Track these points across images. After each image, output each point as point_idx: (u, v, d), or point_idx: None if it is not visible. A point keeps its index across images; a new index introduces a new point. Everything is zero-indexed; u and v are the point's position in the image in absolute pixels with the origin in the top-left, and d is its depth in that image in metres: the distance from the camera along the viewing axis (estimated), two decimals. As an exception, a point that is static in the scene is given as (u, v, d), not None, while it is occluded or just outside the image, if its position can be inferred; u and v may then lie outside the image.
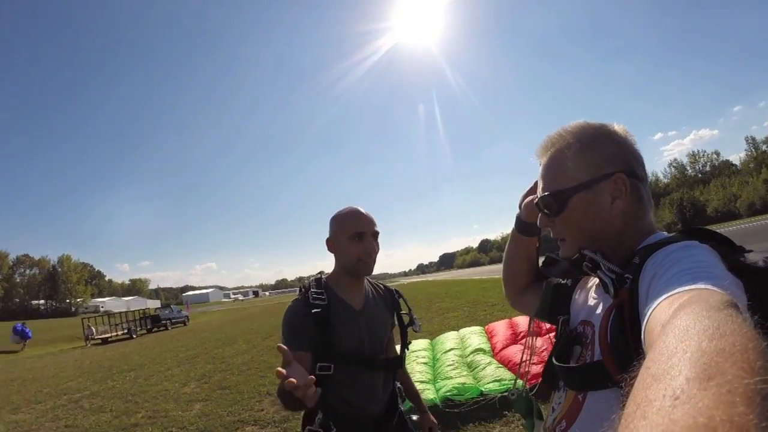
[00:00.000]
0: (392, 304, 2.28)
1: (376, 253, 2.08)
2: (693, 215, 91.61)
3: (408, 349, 2.31)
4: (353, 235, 2.02)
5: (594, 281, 1.13)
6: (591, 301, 1.10)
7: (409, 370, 2.54)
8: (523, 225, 1.41)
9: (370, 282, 2.27)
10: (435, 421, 2.39)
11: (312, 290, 2.06)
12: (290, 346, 1.90)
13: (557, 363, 1.05)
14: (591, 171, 1.06)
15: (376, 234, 2.08)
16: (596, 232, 1.06)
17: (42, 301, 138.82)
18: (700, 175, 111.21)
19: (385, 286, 2.34)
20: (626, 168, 1.05)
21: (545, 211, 1.13)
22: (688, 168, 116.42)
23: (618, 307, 0.87)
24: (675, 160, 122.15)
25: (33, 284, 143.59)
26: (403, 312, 2.29)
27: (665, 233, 1.04)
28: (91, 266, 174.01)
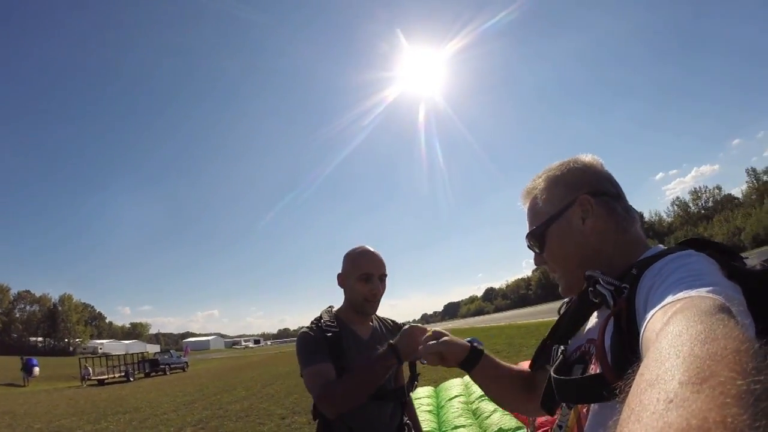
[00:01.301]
0: None
1: (381, 294, 2.21)
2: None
3: (417, 381, 2.35)
4: (361, 275, 2.15)
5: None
6: (596, 321, 1.13)
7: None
8: (461, 364, 1.47)
9: (378, 317, 2.40)
10: None
11: (324, 319, 2.18)
12: (312, 361, 2.04)
13: (556, 376, 1.06)
14: (557, 202, 1.16)
15: (383, 276, 2.21)
16: (579, 255, 1.12)
17: (40, 339, 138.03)
18: (703, 211, 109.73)
19: (393, 322, 2.45)
20: (590, 189, 1.13)
21: (534, 250, 1.22)
22: (691, 205, 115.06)
23: (615, 317, 0.89)
24: (677, 198, 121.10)
25: (32, 320, 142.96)
26: None
27: (662, 246, 1.09)
28: (92, 307, 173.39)
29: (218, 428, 9.71)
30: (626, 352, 0.81)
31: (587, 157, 1.21)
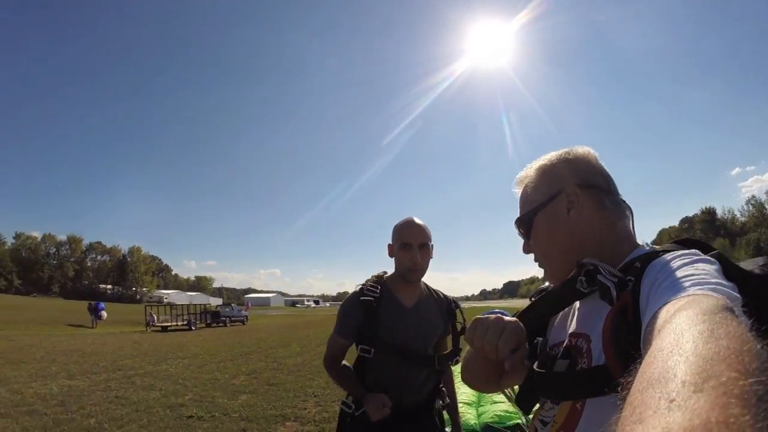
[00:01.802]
0: (447, 311, 2.48)
1: (423, 263, 2.29)
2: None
3: (459, 356, 2.40)
4: (402, 245, 2.28)
5: (574, 305, 1.14)
6: (581, 315, 1.10)
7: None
8: None
9: (430, 288, 2.52)
10: None
11: (368, 282, 2.39)
12: (336, 330, 2.37)
13: (546, 372, 1.02)
14: (546, 191, 1.16)
15: (423, 245, 2.29)
16: (564, 244, 1.12)
17: (109, 286, 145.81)
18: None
19: (444, 296, 2.55)
20: (579, 180, 1.13)
21: (522, 236, 1.23)
22: (767, 206, 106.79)
23: (621, 310, 0.87)
24: (753, 197, 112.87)
25: (103, 269, 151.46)
26: (458, 322, 2.46)
27: (653, 246, 1.11)
28: (160, 259, 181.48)
29: (270, 379, 9.94)
30: (630, 347, 0.77)
31: (582, 149, 1.22)
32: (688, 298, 0.65)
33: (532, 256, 1.25)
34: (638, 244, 1.11)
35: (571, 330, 1.10)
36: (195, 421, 6.49)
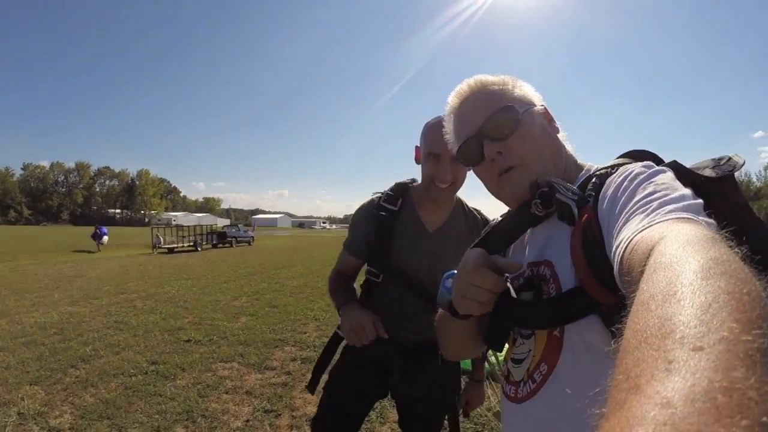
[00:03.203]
0: None
1: (455, 179, 1.82)
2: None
3: None
4: (428, 153, 1.79)
5: (526, 235, 1.13)
6: (536, 243, 1.07)
7: None
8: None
9: (465, 208, 2.07)
10: (482, 396, 2.21)
11: (387, 194, 2.00)
12: (345, 245, 2.06)
13: (523, 301, 0.97)
14: (528, 101, 1.09)
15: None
16: (549, 153, 1.06)
17: (118, 210, 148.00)
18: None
19: (483, 217, 2.07)
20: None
21: (492, 135, 1.05)
22: None
23: (587, 226, 0.85)
24: None
25: (111, 194, 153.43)
26: None
27: (598, 165, 1.04)
28: (168, 182, 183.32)
29: (271, 301, 10.00)
30: (604, 264, 0.77)
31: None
32: (666, 224, 0.61)
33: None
34: (584, 165, 1.10)
35: (529, 260, 1.06)
36: (192, 345, 6.50)
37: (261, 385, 4.95)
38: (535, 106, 1.08)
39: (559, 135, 1.10)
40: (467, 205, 2.07)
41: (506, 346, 1.11)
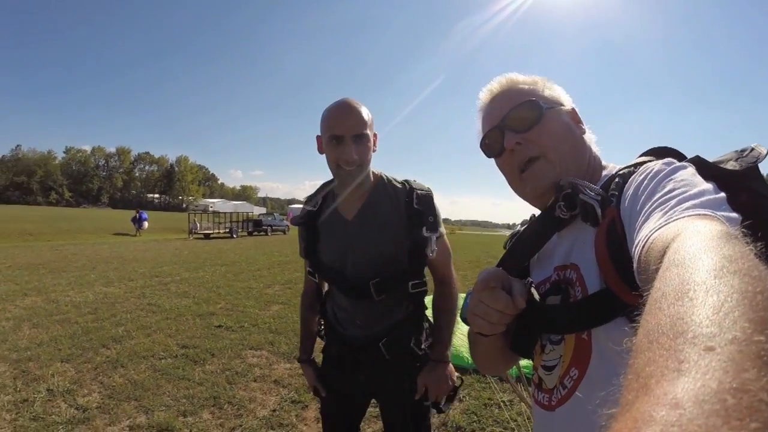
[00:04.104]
0: (409, 212, 1.82)
1: (360, 161, 1.73)
2: None
3: (421, 279, 1.89)
4: (330, 137, 1.72)
5: (552, 241, 1.10)
6: (562, 248, 1.05)
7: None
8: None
9: (388, 184, 1.90)
10: (451, 380, 1.90)
11: (308, 196, 2.03)
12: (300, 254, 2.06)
13: (549, 305, 0.98)
14: (555, 100, 1.10)
15: (359, 137, 1.72)
16: (570, 150, 1.05)
17: (157, 195, 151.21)
18: None
19: (408, 186, 1.88)
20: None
21: (514, 127, 1.07)
22: None
23: (611, 225, 0.85)
24: None
25: (150, 179, 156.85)
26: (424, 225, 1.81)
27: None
28: (206, 169, 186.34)
29: (304, 288, 9.92)
30: (629, 263, 0.73)
31: None
32: (682, 221, 0.61)
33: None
34: (608, 165, 1.10)
35: (555, 264, 1.05)
36: (223, 331, 6.50)
37: (290, 374, 4.89)
38: (563, 106, 1.11)
39: (585, 137, 1.10)
40: (390, 179, 1.92)
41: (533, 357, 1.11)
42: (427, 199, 1.83)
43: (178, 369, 4.92)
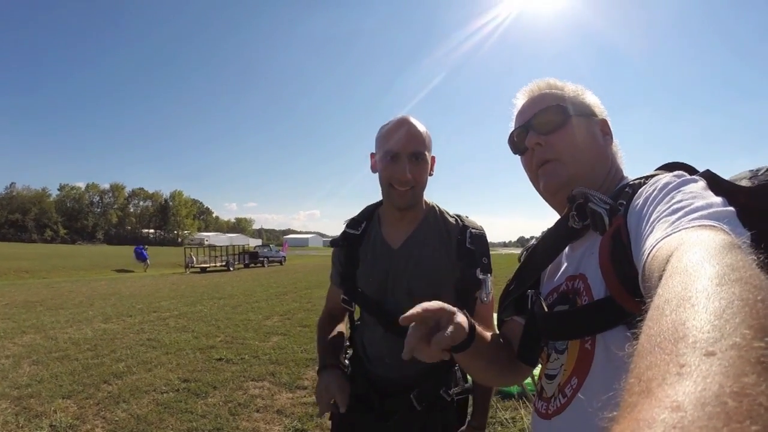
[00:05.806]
0: (465, 256, 1.70)
1: (414, 183, 1.65)
2: None
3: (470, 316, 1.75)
4: (386, 154, 1.64)
5: (564, 252, 1.14)
6: (573, 258, 1.08)
7: None
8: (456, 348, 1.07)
9: (439, 214, 1.81)
10: None
11: (350, 219, 1.87)
12: (331, 279, 1.95)
13: (549, 312, 1.03)
14: (586, 109, 1.13)
15: (417, 155, 1.63)
16: (590, 158, 1.08)
17: (152, 230, 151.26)
18: None
19: (460, 221, 1.79)
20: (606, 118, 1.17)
21: (538, 128, 1.12)
22: None
23: (615, 232, 0.86)
24: None
25: (145, 215, 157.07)
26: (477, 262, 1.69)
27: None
28: (201, 202, 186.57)
29: (303, 320, 9.96)
30: (632, 270, 0.76)
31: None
32: (687, 232, 0.61)
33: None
34: (625, 177, 1.11)
35: (567, 274, 1.07)
36: (224, 364, 6.51)
37: (292, 404, 4.92)
38: (595, 116, 1.14)
39: (611, 148, 1.13)
40: (443, 211, 1.83)
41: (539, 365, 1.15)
42: (481, 239, 1.74)
43: (180, 402, 4.94)
